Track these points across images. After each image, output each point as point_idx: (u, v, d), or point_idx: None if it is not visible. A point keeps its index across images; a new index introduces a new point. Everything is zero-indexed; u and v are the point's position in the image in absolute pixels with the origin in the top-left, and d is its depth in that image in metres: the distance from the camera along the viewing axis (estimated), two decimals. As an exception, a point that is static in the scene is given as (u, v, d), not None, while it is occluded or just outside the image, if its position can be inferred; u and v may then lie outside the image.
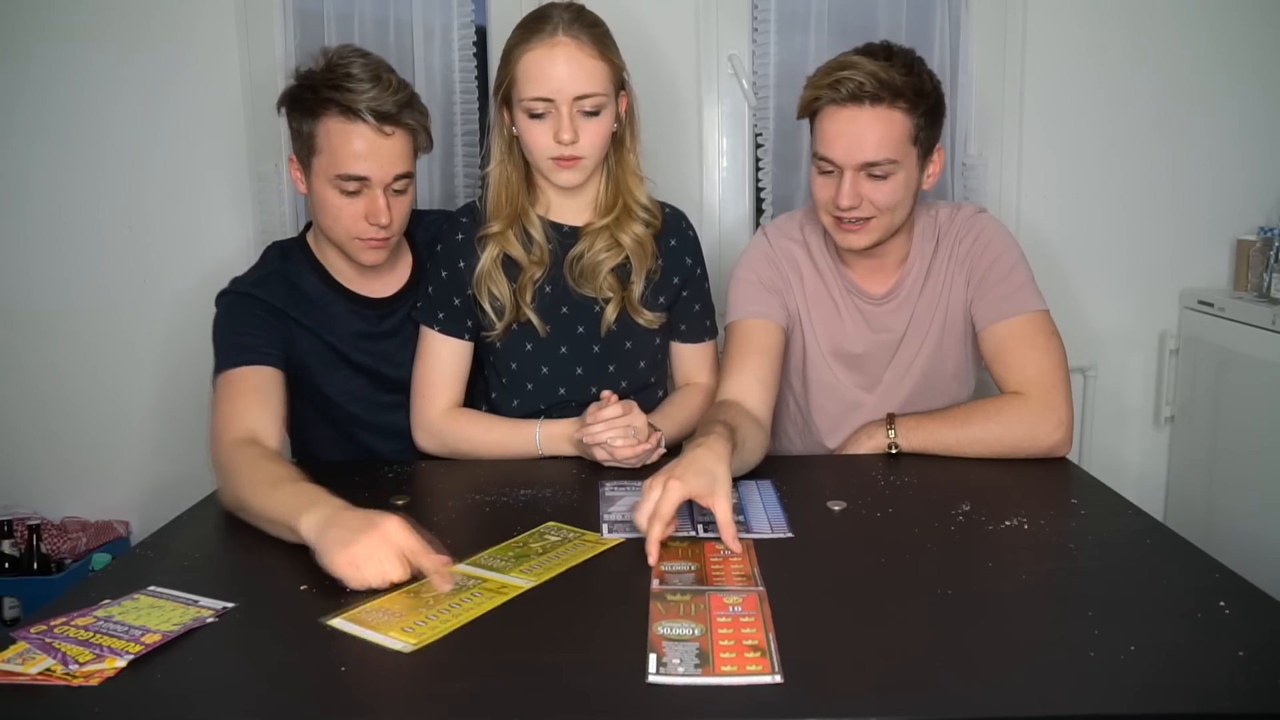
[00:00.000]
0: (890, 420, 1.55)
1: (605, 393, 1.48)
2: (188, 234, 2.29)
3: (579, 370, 1.61)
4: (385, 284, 1.65)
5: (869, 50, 1.48)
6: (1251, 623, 0.98)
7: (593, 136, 1.51)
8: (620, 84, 1.55)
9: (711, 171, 2.34)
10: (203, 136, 2.28)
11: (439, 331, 1.61)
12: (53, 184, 2.31)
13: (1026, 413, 1.50)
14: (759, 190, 2.35)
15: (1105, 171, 2.34)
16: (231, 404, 1.45)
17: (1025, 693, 0.88)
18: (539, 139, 1.51)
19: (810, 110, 1.51)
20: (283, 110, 1.52)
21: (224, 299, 1.57)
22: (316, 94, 1.46)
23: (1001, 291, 1.56)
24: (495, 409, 1.66)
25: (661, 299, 1.63)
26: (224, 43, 2.24)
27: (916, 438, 1.53)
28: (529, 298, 1.58)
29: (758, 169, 2.34)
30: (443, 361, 1.62)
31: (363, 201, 1.49)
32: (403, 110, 1.47)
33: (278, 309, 1.55)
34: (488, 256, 1.57)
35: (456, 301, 1.60)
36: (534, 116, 1.49)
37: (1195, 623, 0.99)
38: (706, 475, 1.18)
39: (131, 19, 2.24)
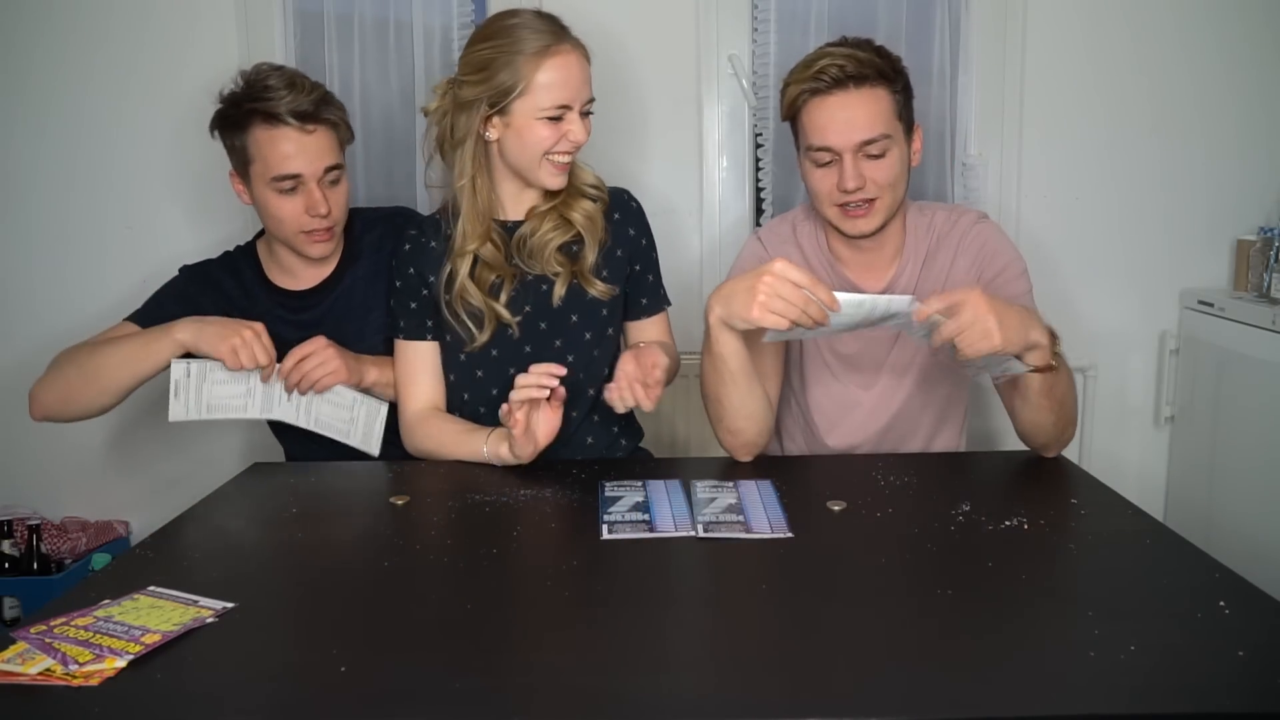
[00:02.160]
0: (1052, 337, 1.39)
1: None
2: (187, 234, 2.29)
3: (527, 348, 1.62)
4: (309, 278, 1.73)
5: (833, 44, 1.53)
6: (1251, 623, 0.99)
7: (587, 136, 1.56)
8: None
9: (711, 171, 2.34)
10: (203, 136, 2.27)
11: (403, 338, 1.65)
12: (53, 184, 2.31)
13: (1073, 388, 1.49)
14: (759, 190, 2.35)
15: (1105, 172, 2.34)
16: (104, 336, 1.66)
17: (1025, 693, 0.88)
18: (547, 139, 1.53)
19: (794, 109, 1.53)
20: (215, 133, 1.65)
21: (183, 271, 1.75)
22: (240, 108, 1.59)
23: (1010, 294, 1.55)
24: (450, 393, 1.66)
25: (605, 273, 1.63)
26: (224, 43, 2.25)
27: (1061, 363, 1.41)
28: (501, 299, 1.59)
29: (758, 169, 2.34)
30: (411, 365, 1.65)
31: (300, 198, 1.61)
32: (319, 108, 1.60)
33: (202, 297, 1.70)
34: (463, 271, 1.58)
35: (413, 305, 1.63)
36: (552, 119, 1.53)
37: (1195, 623, 0.99)
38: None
39: (132, 19, 2.25)
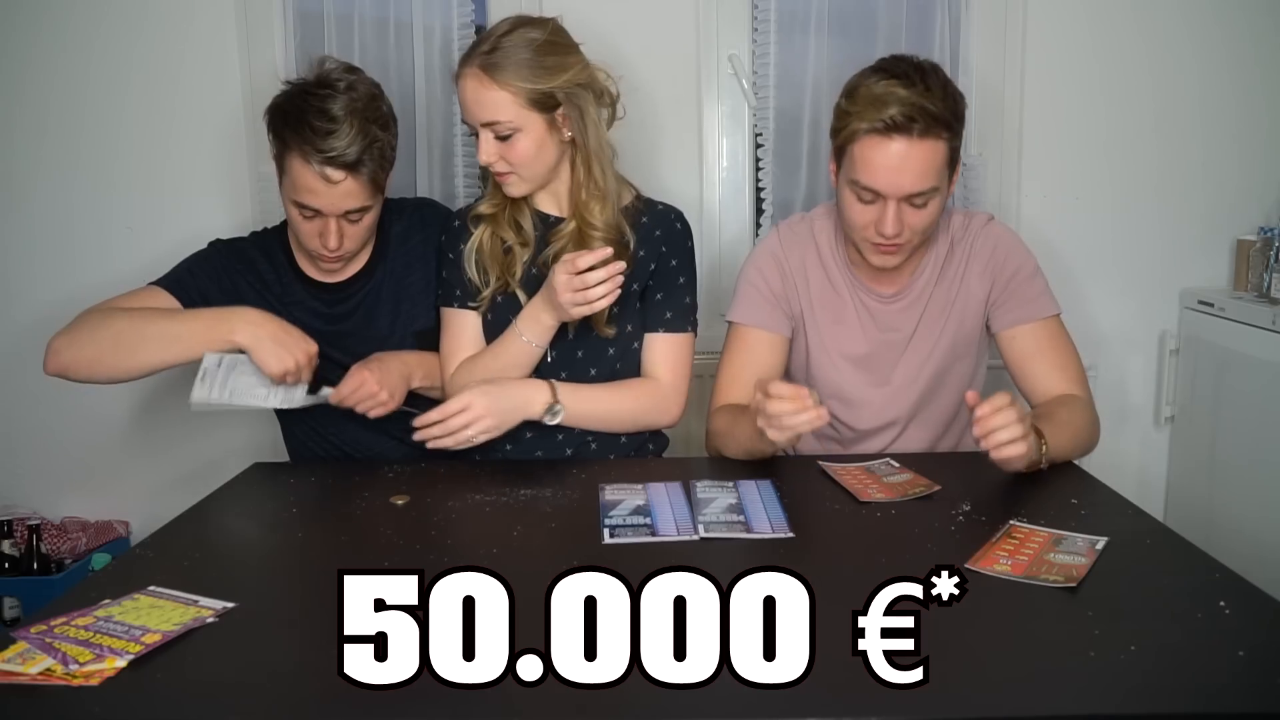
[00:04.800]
0: (1039, 435, 1.42)
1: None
2: (188, 234, 2.27)
3: (550, 355, 1.63)
4: (340, 271, 1.71)
5: (899, 71, 1.46)
6: (1251, 623, 0.99)
7: (513, 156, 1.56)
8: (549, 104, 1.54)
9: (711, 171, 2.34)
10: (203, 136, 2.28)
11: (457, 307, 1.66)
12: (53, 184, 2.31)
13: (1094, 415, 1.56)
14: (759, 190, 2.35)
15: (1105, 171, 2.34)
16: (133, 301, 1.63)
17: (1025, 693, 0.88)
18: (478, 154, 1.57)
19: (847, 138, 1.48)
20: (266, 117, 1.60)
21: (209, 247, 1.72)
22: (286, 123, 1.53)
23: (1027, 295, 1.61)
24: None
25: (634, 285, 1.63)
26: (224, 43, 2.24)
27: (1053, 451, 1.45)
28: (517, 275, 1.63)
29: (758, 169, 2.34)
30: (460, 331, 1.67)
31: (318, 224, 1.58)
32: (359, 164, 1.53)
33: (238, 274, 1.68)
34: (480, 233, 1.64)
35: (469, 277, 1.66)
36: (473, 134, 1.57)
37: (1195, 623, 0.99)
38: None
39: (131, 19, 2.24)
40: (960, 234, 1.64)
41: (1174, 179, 2.34)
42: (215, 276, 1.67)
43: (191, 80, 2.26)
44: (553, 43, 1.55)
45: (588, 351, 1.64)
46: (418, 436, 1.52)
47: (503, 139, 1.54)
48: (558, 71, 1.53)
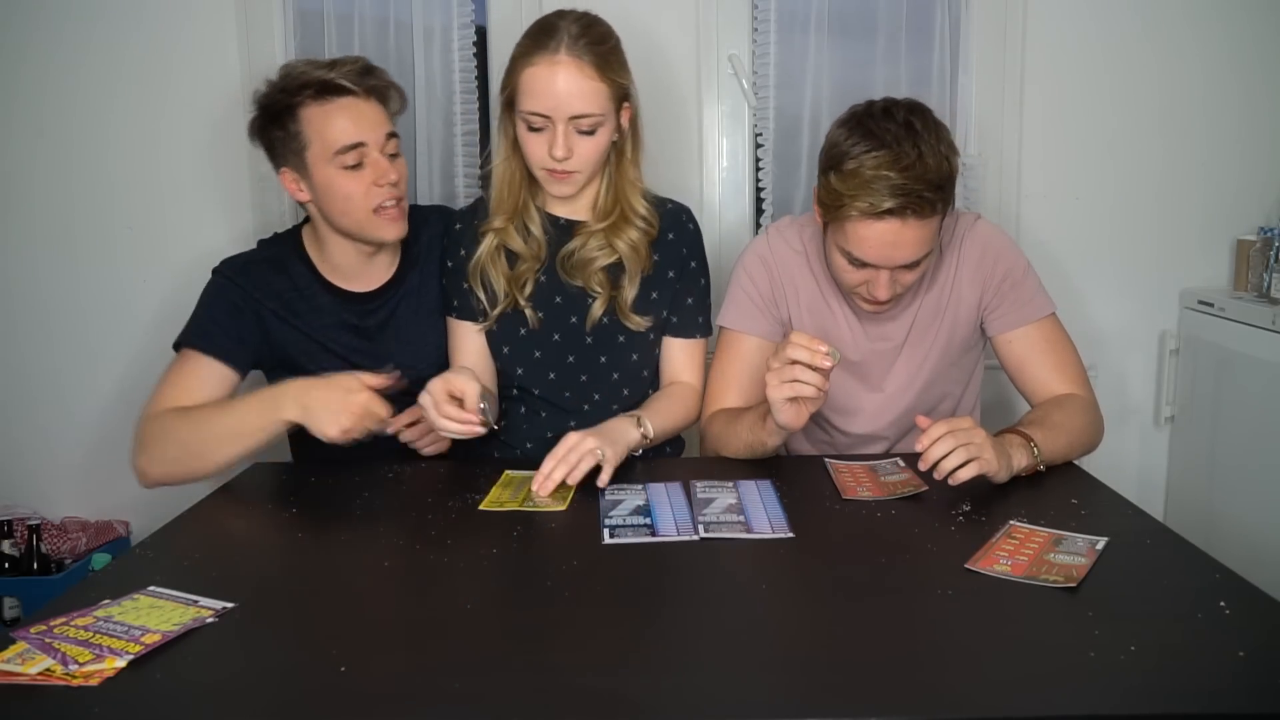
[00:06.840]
0: (1028, 439, 1.43)
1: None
2: (188, 234, 2.29)
3: (570, 358, 1.63)
4: (369, 279, 1.67)
5: (889, 139, 1.39)
6: (1251, 623, 0.99)
7: (586, 153, 1.54)
8: (623, 97, 1.56)
9: (711, 171, 2.34)
10: (203, 136, 2.28)
11: (456, 318, 1.66)
12: (53, 184, 2.31)
13: (1094, 414, 1.55)
14: (759, 190, 2.35)
15: (1105, 171, 2.34)
16: (180, 381, 1.57)
17: (1025, 693, 0.88)
18: (535, 150, 1.54)
19: (838, 215, 1.43)
20: (256, 137, 1.59)
21: (216, 276, 1.64)
22: (287, 93, 1.53)
23: (1020, 297, 1.59)
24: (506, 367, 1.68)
25: (654, 295, 1.63)
26: (224, 42, 2.24)
27: (1047, 454, 1.45)
28: (525, 290, 1.61)
29: (758, 169, 2.34)
30: (461, 345, 1.66)
31: (367, 171, 1.54)
32: (365, 75, 1.55)
33: (256, 301, 1.62)
34: (486, 247, 1.61)
35: (465, 285, 1.65)
36: (532, 129, 1.52)
37: (1195, 623, 0.99)
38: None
39: (130, 18, 2.24)
40: (948, 237, 1.61)
41: (1174, 179, 2.34)
42: (236, 312, 1.60)
43: (191, 80, 2.26)
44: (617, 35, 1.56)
45: (610, 357, 1.63)
46: (537, 486, 1.38)
47: (585, 134, 1.52)
48: (626, 65, 1.56)
